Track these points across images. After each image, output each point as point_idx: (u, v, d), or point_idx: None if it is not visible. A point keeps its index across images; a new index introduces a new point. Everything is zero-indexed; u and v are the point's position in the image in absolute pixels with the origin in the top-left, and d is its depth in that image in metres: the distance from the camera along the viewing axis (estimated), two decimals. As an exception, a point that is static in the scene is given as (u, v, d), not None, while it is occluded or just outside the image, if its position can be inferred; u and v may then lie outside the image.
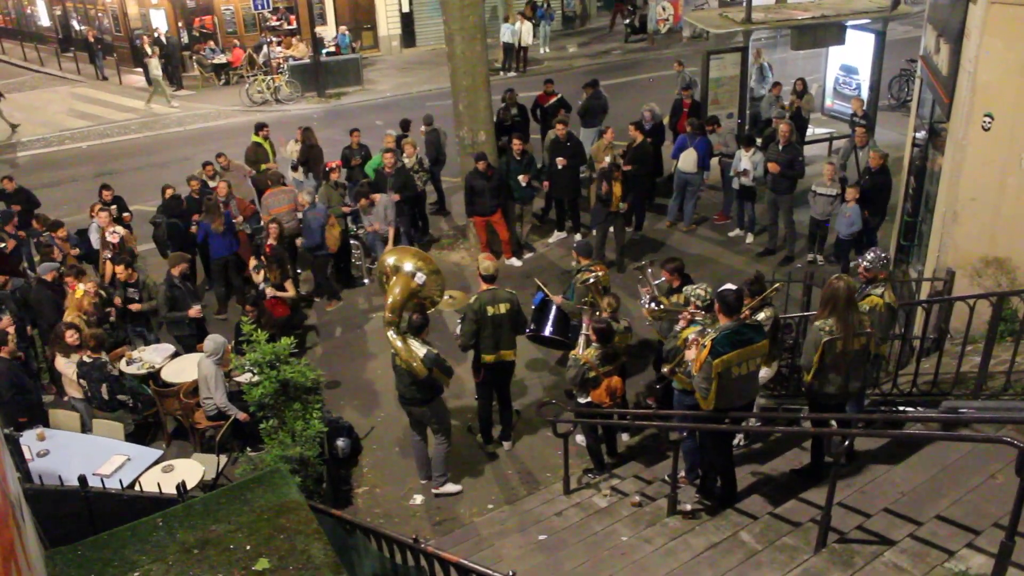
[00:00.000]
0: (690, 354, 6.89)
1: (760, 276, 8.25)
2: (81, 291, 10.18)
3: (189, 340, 10.72)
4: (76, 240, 12.12)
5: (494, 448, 9.64)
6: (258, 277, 11.27)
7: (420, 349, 8.24)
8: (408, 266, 8.73)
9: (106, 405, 9.31)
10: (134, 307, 10.67)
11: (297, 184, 14.04)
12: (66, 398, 9.64)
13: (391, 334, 8.38)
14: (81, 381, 9.25)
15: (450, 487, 9.00)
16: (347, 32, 27.72)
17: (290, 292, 11.38)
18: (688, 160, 13.89)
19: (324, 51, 26.06)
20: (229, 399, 9.13)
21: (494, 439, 9.70)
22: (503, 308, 9.01)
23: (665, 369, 7.82)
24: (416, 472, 9.22)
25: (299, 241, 12.82)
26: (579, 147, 14.14)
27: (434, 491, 8.98)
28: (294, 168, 14.72)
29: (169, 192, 12.84)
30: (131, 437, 9.31)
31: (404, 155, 13.84)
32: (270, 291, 11.08)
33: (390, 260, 8.91)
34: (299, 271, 12.56)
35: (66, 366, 9.34)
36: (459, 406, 10.15)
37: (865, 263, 7.50)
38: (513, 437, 9.72)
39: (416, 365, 8.18)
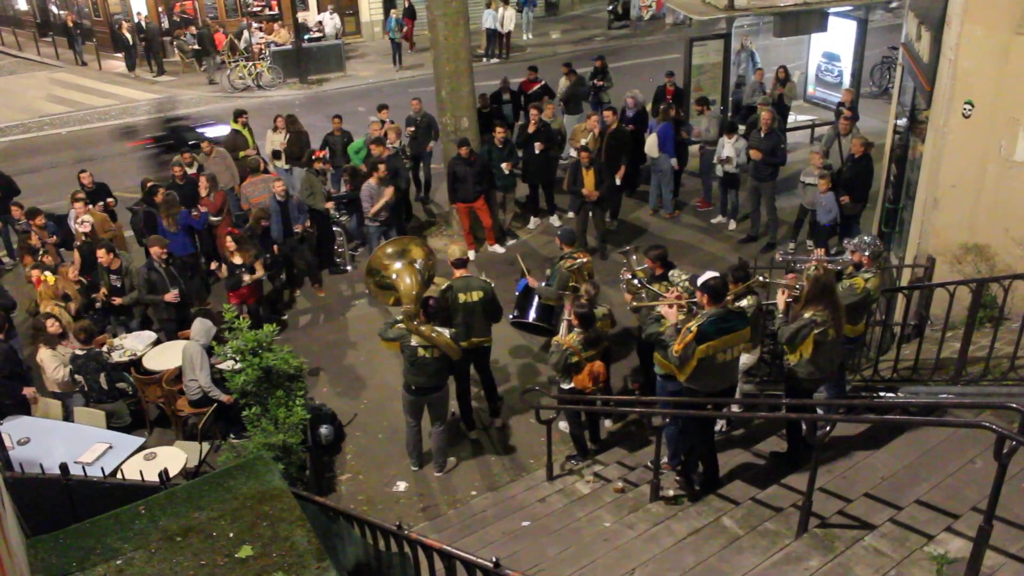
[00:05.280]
0: (669, 313, 6.96)
1: (744, 263, 8.27)
2: (53, 279, 10.08)
3: (169, 325, 10.65)
4: (54, 227, 11.99)
5: (476, 435, 9.67)
6: (222, 273, 11.07)
7: (446, 332, 8.33)
8: (406, 254, 8.61)
9: (106, 395, 9.23)
10: (116, 301, 10.57)
11: (281, 173, 13.96)
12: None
13: (423, 326, 8.25)
14: (77, 376, 9.18)
15: (450, 462, 9.19)
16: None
17: (259, 272, 11.18)
18: (650, 144, 14.03)
19: (306, 36, 25.87)
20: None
21: (475, 425, 9.72)
22: (475, 296, 9.01)
23: (632, 304, 7.90)
24: (400, 459, 9.24)
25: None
26: (551, 132, 14.16)
27: (438, 473, 9.09)
28: (276, 157, 14.63)
29: (150, 184, 12.70)
30: (123, 428, 9.26)
31: (388, 141, 13.78)
32: (247, 278, 10.94)
33: (385, 254, 8.68)
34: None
35: (50, 359, 9.23)
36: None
37: (851, 245, 7.62)
38: (502, 415, 9.83)
39: (454, 347, 8.27)
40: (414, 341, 8.28)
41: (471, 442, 9.56)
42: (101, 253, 10.51)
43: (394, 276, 8.46)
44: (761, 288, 8.08)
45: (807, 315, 6.75)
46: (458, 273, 9.15)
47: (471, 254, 13.44)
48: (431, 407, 8.80)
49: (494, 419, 9.81)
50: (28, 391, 9.04)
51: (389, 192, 12.43)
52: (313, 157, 13.39)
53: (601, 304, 8.82)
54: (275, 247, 12.03)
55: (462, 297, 8.96)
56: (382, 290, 8.75)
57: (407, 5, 27.03)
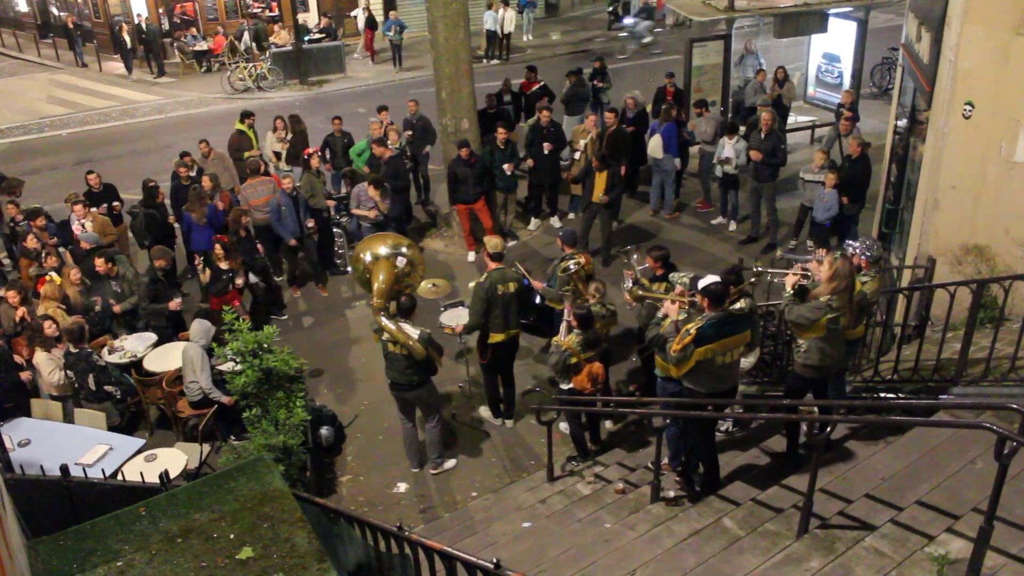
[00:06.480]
0: (671, 309, 6.98)
1: (736, 268, 8.27)
2: (58, 279, 10.07)
3: (166, 332, 10.62)
4: (54, 229, 11.97)
5: (502, 423, 9.74)
6: (204, 277, 10.94)
7: (413, 331, 8.28)
8: (387, 250, 8.70)
9: (93, 396, 9.24)
10: (116, 308, 10.56)
11: (283, 174, 13.95)
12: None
13: (384, 320, 8.33)
14: (68, 372, 9.18)
15: (447, 463, 9.15)
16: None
17: (239, 282, 11.05)
18: (653, 145, 14.04)
19: (306, 38, 25.87)
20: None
21: (499, 414, 9.78)
22: (512, 287, 9.06)
23: (638, 293, 7.98)
24: (401, 460, 9.25)
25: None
26: (560, 133, 14.18)
27: (433, 472, 9.07)
28: (277, 157, 14.62)
29: (151, 184, 12.70)
30: (114, 427, 9.25)
31: (388, 141, 13.78)
32: (240, 281, 10.90)
33: (366, 248, 8.86)
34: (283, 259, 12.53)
35: (46, 362, 9.22)
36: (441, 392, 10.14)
37: (852, 248, 7.63)
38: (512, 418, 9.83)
39: (414, 346, 8.21)
40: (384, 336, 8.34)
41: (471, 443, 9.56)
42: (99, 263, 10.49)
43: (368, 262, 8.65)
44: (752, 286, 8.05)
45: (824, 299, 6.75)
46: (493, 265, 9.17)
47: (470, 256, 13.46)
48: (419, 405, 8.82)
49: (506, 421, 9.81)
50: (24, 375, 9.14)
51: (373, 214, 12.40)
52: (305, 155, 13.37)
53: (610, 304, 8.82)
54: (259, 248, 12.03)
55: (500, 289, 8.98)
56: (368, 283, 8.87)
57: (368, 15, 26.99)
